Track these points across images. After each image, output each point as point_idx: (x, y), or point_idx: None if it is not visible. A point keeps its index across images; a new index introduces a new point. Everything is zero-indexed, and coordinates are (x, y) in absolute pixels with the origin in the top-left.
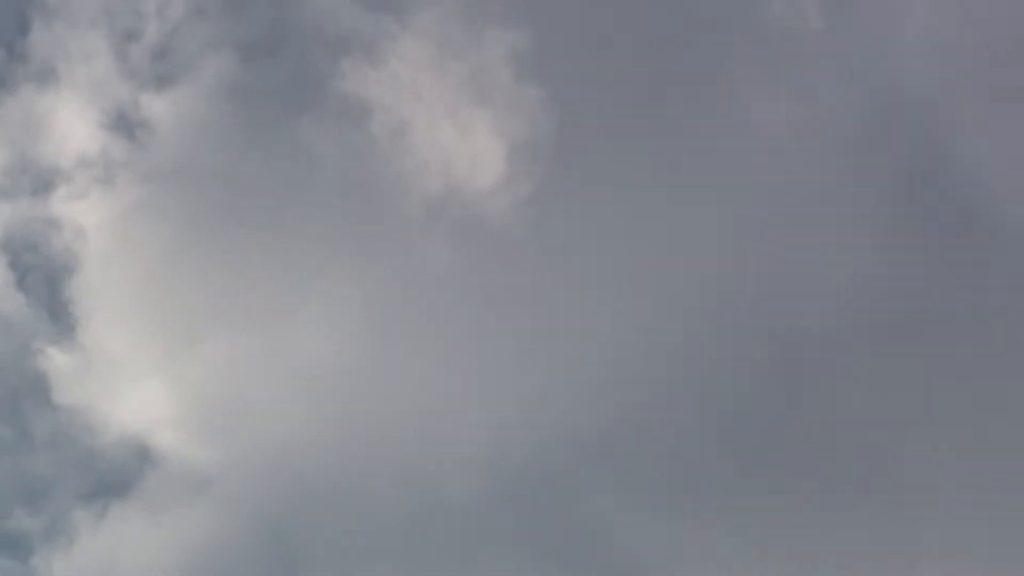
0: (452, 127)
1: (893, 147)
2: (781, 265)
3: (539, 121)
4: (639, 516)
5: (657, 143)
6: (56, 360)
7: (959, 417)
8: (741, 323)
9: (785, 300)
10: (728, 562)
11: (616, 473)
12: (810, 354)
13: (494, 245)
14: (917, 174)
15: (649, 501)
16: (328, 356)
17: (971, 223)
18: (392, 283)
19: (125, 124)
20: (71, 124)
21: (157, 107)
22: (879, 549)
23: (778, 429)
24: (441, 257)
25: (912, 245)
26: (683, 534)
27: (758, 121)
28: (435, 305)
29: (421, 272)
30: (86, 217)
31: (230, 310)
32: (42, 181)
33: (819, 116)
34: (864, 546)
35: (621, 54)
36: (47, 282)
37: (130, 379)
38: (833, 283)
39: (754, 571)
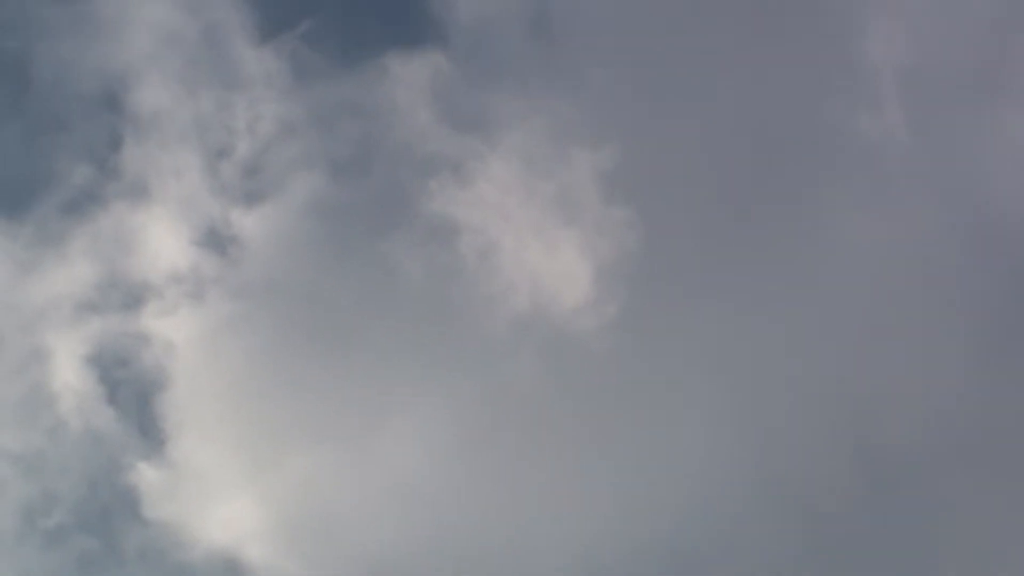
0: (539, 247)
1: (987, 264)
2: (871, 381)
3: (625, 241)
4: None
5: (743, 261)
6: (146, 475)
7: None
8: (830, 439)
9: (875, 416)
10: None
11: None
12: (901, 472)
13: (581, 363)
14: (1010, 291)
15: None
16: (416, 470)
17: None
18: (479, 400)
19: (215, 240)
20: (162, 240)
21: (247, 223)
22: None
23: (867, 546)
24: (528, 375)
25: (1005, 363)
26: None
27: (847, 238)
28: (523, 421)
29: (508, 389)
30: (176, 332)
31: (317, 424)
32: (133, 296)
33: (909, 232)
34: None
35: (707, 173)
36: (137, 397)
37: (219, 494)
38: (925, 401)
39: None
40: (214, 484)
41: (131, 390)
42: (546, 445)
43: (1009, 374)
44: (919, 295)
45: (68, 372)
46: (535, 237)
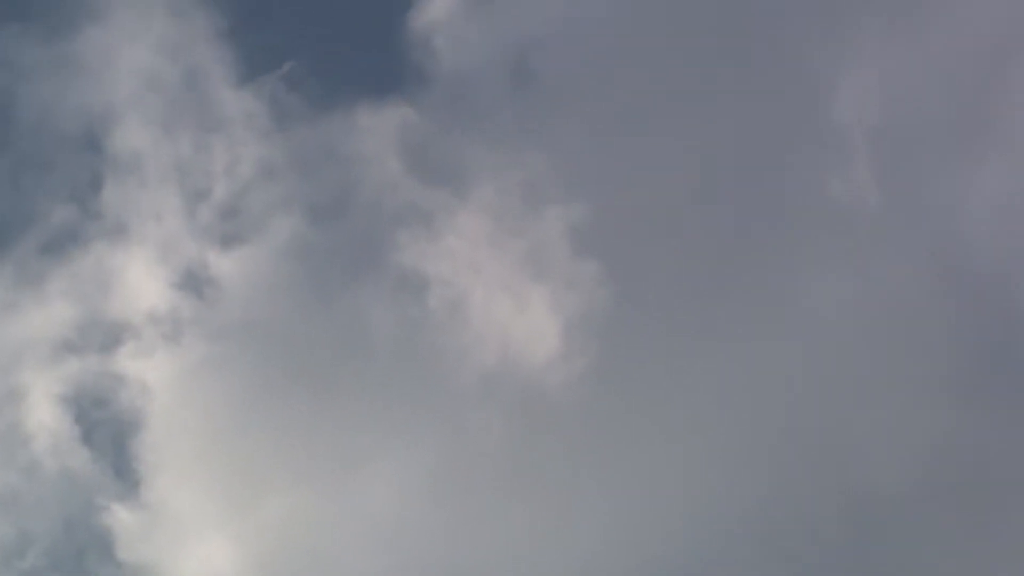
0: (509, 301)
1: (959, 316)
2: (852, 429)
3: (595, 296)
4: None
5: (714, 315)
6: (121, 516)
7: None
8: (812, 486)
9: (857, 462)
10: None
11: None
12: (884, 515)
13: (550, 418)
14: (983, 339)
15: None
16: (392, 512)
17: None
18: (451, 451)
19: (193, 281)
20: (140, 281)
21: (225, 265)
22: None
23: None
24: (497, 429)
25: (987, 409)
26: None
27: (820, 292)
28: (494, 473)
29: (479, 441)
30: (152, 373)
31: (294, 466)
32: (110, 337)
33: (882, 287)
34: None
35: (677, 229)
36: (112, 438)
37: (194, 535)
38: (906, 446)
39: None
40: (190, 526)
41: (107, 431)
42: (518, 496)
43: (984, 417)
44: (895, 346)
45: (44, 412)
46: (505, 291)
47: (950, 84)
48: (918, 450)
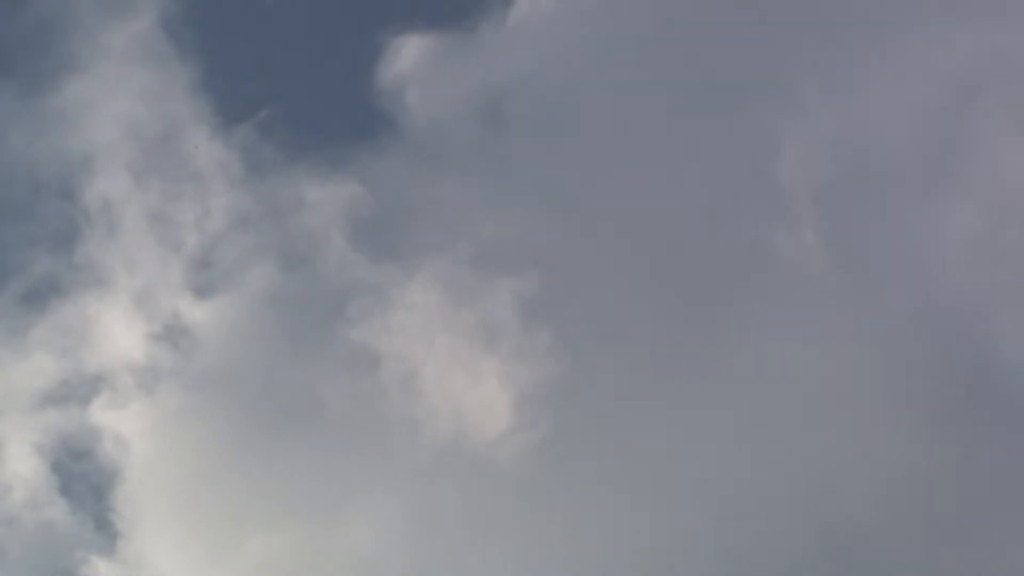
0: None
1: (928, 353)
2: (821, 468)
3: (546, 366)
4: None
5: (666, 380)
6: (99, 569)
7: None
8: (786, 524)
9: (830, 497)
10: None
11: None
12: (856, 542)
13: (502, 489)
14: (955, 374)
15: None
16: (367, 548)
17: (1015, 412)
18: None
19: (168, 332)
20: (116, 332)
21: (199, 315)
22: None
23: None
24: (451, 501)
25: (955, 436)
26: None
27: (773, 344)
28: (447, 544)
29: (433, 511)
30: (129, 424)
31: (269, 510)
32: (85, 388)
33: (834, 336)
34: None
35: (626, 298)
36: (91, 490)
37: None
38: (873, 477)
39: None
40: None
41: (85, 483)
42: (472, 564)
43: (953, 445)
44: (859, 385)
45: (21, 464)
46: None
47: (897, 135)
48: (884, 476)
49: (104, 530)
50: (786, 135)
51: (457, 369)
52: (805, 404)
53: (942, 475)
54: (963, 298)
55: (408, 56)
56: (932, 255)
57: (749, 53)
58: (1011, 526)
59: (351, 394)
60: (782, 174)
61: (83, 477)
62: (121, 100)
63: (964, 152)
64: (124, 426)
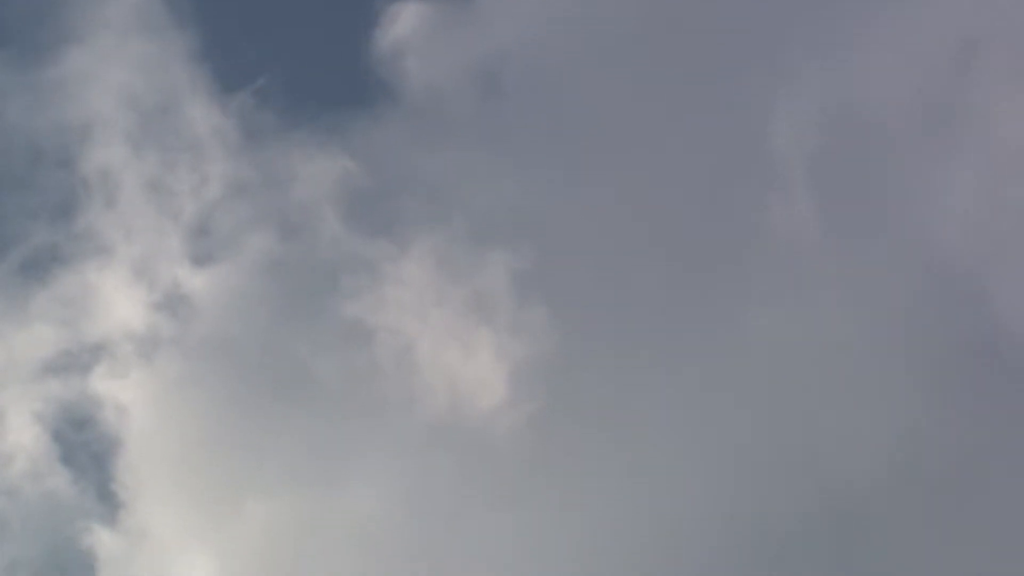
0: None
1: (927, 317)
2: (822, 433)
3: (542, 339)
4: None
5: (663, 350)
6: (102, 538)
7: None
8: (787, 489)
9: (831, 461)
10: None
11: None
12: (862, 506)
13: (499, 461)
14: (955, 338)
15: None
16: (369, 516)
17: (1017, 375)
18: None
19: (168, 300)
20: (115, 302)
21: (198, 283)
22: None
23: None
24: (447, 472)
25: (960, 401)
26: None
27: (772, 312)
28: (442, 520)
29: (428, 486)
30: (129, 393)
31: (270, 477)
32: (85, 357)
33: (827, 314)
34: None
35: (622, 270)
36: (92, 459)
37: (177, 554)
38: (878, 440)
39: None
40: (171, 544)
41: (86, 452)
42: (466, 543)
43: (953, 410)
44: (860, 349)
45: (22, 434)
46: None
47: (893, 94)
48: (890, 443)
49: (106, 499)
50: (777, 103)
51: (453, 341)
52: (804, 370)
53: (944, 437)
54: (964, 260)
55: (406, 23)
56: (931, 217)
57: (744, 17)
58: (1013, 488)
59: (350, 361)
60: (777, 140)
61: (84, 446)
62: (119, 70)
63: (963, 112)
64: (124, 395)
